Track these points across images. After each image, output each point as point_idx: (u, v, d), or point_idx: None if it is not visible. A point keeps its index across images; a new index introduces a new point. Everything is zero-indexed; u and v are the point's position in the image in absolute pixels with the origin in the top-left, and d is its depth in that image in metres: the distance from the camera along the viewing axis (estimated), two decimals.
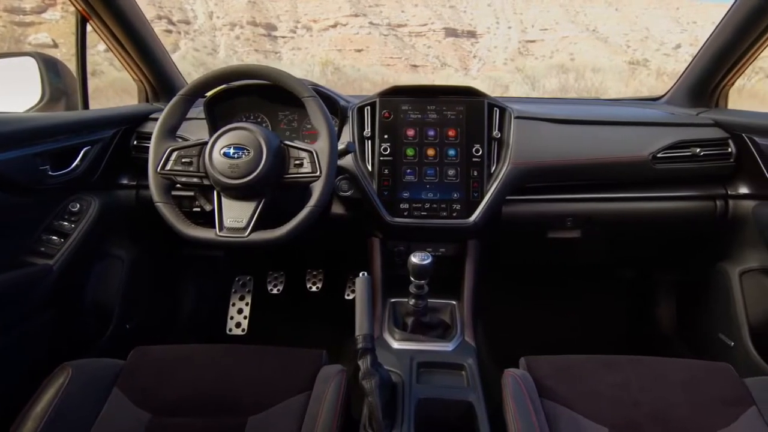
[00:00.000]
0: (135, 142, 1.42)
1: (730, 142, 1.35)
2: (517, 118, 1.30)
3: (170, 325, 1.78)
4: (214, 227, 1.04)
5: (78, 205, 1.30)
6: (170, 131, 1.09)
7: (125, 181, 1.45)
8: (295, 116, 1.43)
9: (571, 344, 1.20)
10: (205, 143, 1.07)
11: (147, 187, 1.08)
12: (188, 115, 1.14)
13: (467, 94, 1.31)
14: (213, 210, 1.06)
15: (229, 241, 1.02)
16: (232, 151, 1.04)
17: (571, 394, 0.96)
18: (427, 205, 1.27)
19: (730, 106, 1.56)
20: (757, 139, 1.27)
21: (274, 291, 1.98)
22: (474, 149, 1.28)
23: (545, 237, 1.44)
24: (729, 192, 1.37)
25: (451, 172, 1.28)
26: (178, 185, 1.11)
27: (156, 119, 1.10)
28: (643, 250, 1.72)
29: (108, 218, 1.37)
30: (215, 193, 1.07)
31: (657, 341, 1.74)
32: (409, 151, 1.29)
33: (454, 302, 1.31)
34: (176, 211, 1.06)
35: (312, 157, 1.05)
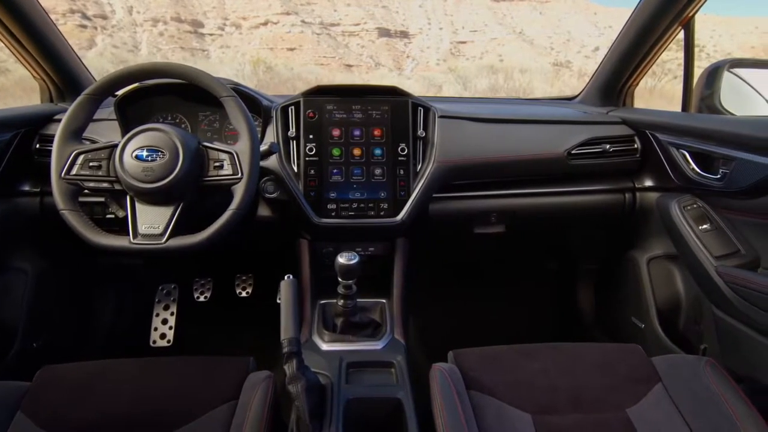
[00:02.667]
0: (37, 146, 1.32)
1: (636, 138, 1.46)
2: (441, 117, 1.33)
3: (86, 341, 1.67)
4: (128, 234, 0.99)
5: None
6: (75, 133, 1.03)
7: (27, 188, 1.35)
8: (216, 117, 1.39)
9: (500, 335, 1.25)
10: (115, 146, 1.01)
11: (51, 193, 1.01)
12: (99, 117, 1.08)
13: (392, 93, 1.33)
14: (126, 216, 1.01)
15: (144, 248, 0.98)
16: (145, 153, 0.99)
17: (495, 384, 1.00)
18: (355, 205, 1.27)
19: (643, 105, 1.69)
20: (658, 135, 1.38)
21: (201, 298, 1.91)
22: (400, 148, 1.30)
23: (472, 233, 1.49)
24: (636, 185, 1.48)
25: (377, 171, 1.29)
26: (86, 191, 1.05)
27: (60, 120, 1.03)
28: (563, 241, 1.82)
29: (8, 228, 1.27)
30: (128, 198, 1.02)
31: (578, 328, 1.86)
32: (335, 151, 1.29)
33: (384, 301, 1.32)
34: (84, 218, 1.00)
35: (232, 158, 1.02)
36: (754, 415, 0.88)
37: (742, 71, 1.35)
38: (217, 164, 1.03)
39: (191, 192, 1.03)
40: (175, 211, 1.00)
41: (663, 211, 1.35)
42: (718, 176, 1.19)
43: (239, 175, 1.01)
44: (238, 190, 1.01)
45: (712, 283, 1.17)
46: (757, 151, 1.08)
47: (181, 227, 1.00)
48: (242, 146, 1.03)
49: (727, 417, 0.89)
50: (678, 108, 1.46)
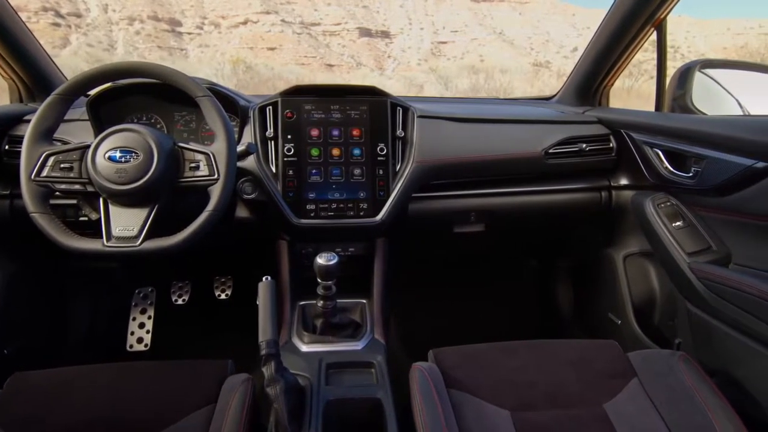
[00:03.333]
0: (6, 147, 1.29)
1: (611, 137, 1.48)
2: (420, 117, 1.34)
3: (60, 347, 1.63)
4: (102, 237, 0.97)
5: None
6: (45, 134, 1.01)
7: None
8: (192, 117, 1.37)
9: (480, 333, 1.26)
10: (87, 146, 0.99)
11: (21, 196, 0.98)
12: (71, 117, 1.06)
13: (370, 93, 1.33)
14: (99, 219, 1.00)
15: (118, 251, 0.96)
16: (118, 154, 0.98)
17: (475, 382, 1.01)
18: (334, 206, 1.27)
19: (621, 105, 1.72)
20: (633, 134, 1.41)
21: (180, 302, 1.89)
22: (379, 148, 1.30)
23: (451, 232, 1.50)
24: (612, 183, 1.51)
25: (356, 171, 1.29)
26: (58, 193, 1.02)
27: (29, 121, 1.01)
28: (542, 239, 1.85)
29: None
30: (101, 200, 1.00)
31: (557, 325, 1.88)
32: (314, 151, 1.29)
33: (364, 301, 1.32)
34: (55, 221, 0.98)
35: (209, 159, 1.01)
36: (726, 407, 0.91)
37: (713, 71, 1.39)
38: (193, 165, 1.02)
39: (166, 193, 1.01)
40: (150, 213, 0.99)
41: (638, 208, 1.38)
42: (690, 174, 1.22)
43: (215, 176, 1.00)
44: (215, 191, 1.00)
45: (685, 279, 1.19)
46: (727, 150, 1.11)
47: (156, 229, 0.99)
48: (218, 147, 1.02)
49: (700, 409, 0.91)
50: (653, 108, 1.50)
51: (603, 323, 1.60)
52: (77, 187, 1.00)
